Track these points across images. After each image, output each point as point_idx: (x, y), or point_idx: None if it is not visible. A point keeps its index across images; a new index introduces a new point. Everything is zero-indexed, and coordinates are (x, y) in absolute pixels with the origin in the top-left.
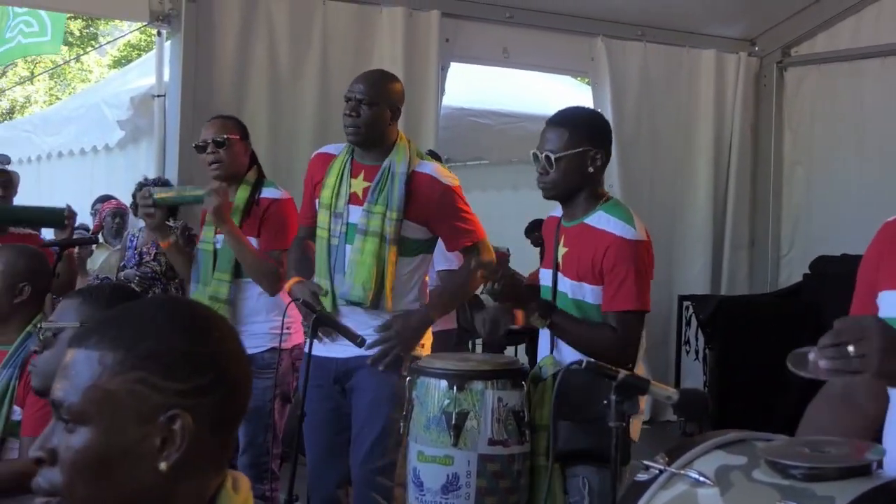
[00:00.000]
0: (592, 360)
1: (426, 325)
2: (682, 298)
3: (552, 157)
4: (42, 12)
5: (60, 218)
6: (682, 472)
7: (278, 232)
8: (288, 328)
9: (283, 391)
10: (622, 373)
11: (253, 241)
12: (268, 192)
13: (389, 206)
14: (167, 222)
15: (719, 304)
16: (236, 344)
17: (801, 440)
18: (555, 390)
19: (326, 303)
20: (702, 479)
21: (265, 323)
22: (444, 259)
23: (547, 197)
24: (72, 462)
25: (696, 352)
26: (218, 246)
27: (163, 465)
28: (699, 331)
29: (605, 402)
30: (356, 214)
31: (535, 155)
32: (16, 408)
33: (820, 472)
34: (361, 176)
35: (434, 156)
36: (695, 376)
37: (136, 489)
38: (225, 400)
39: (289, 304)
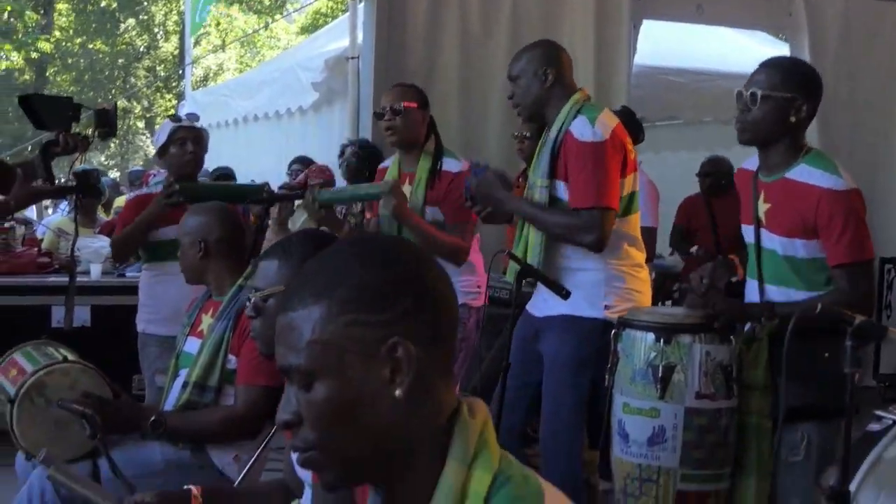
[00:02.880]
0: (826, 306)
1: (502, 201)
2: (883, 261)
3: (758, 93)
4: None
5: (259, 194)
6: None
7: (461, 206)
8: (478, 287)
9: (468, 346)
10: (859, 317)
11: (435, 210)
12: (449, 165)
13: (538, 174)
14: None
15: None
16: (428, 262)
17: None
18: (786, 341)
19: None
20: None
21: (457, 282)
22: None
23: (743, 140)
24: (317, 417)
25: None
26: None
27: (398, 393)
28: None
29: (827, 354)
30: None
31: (738, 93)
32: (231, 357)
33: None
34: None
35: (626, 111)
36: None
37: (381, 424)
38: (434, 315)
39: (494, 255)
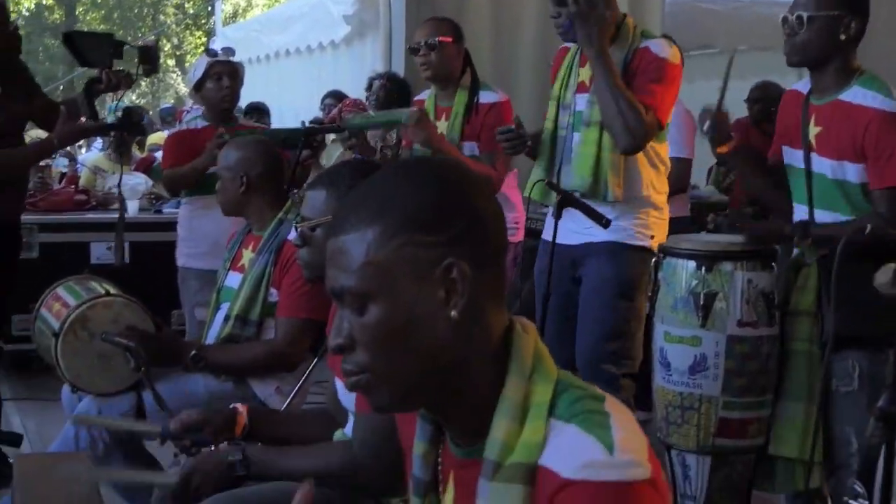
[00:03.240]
0: (875, 227)
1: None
2: None
3: (804, 15)
4: None
5: (298, 137)
6: None
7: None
8: (516, 223)
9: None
10: None
11: (473, 146)
12: (486, 97)
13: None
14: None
15: None
16: (478, 184)
17: None
18: (835, 268)
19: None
20: None
21: None
22: (673, 145)
23: (792, 63)
24: (370, 340)
25: None
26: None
27: (454, 314)
28: None
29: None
30: (582, 103)
31: (784, 18)
32: (272, 290)
33: None
34: (588, 65)
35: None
36: None
37: (436, 346)
38: (486, 237)
39: (533, 185)
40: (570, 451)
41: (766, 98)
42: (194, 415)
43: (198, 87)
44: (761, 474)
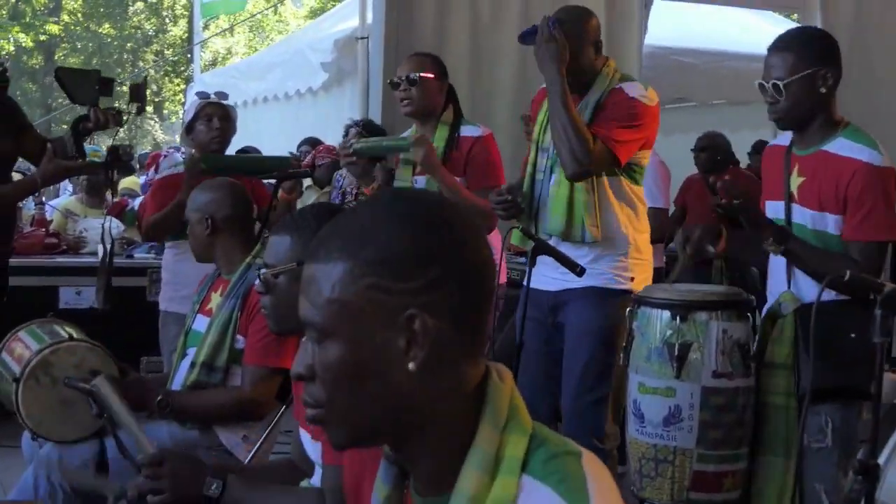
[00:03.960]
0: (855, 273)
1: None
2: None
3: (780, 84)
4: None
5: (287, 165)
6: None
7: (486, 170)
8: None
9: None
10: (889, 285)
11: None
12: (467, 131)
13: None
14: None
15: None
16: (466, 230)
17: None
18: (813, 321)
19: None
20: None
21: None
22: (650, 196)
23: (782, 127)
24: (327, 375)
25: None
26: (416, 187)
27: (412, 366)
28: None
29: (853, 335)
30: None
31: (761, 85)
32: (239, 336)
33: None
34: None
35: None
36: None
37: (391, 394)
38: (462, 290)
39: (510, 230)
40: None
41: (712, 147)
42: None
43: (188, 129)
44: None
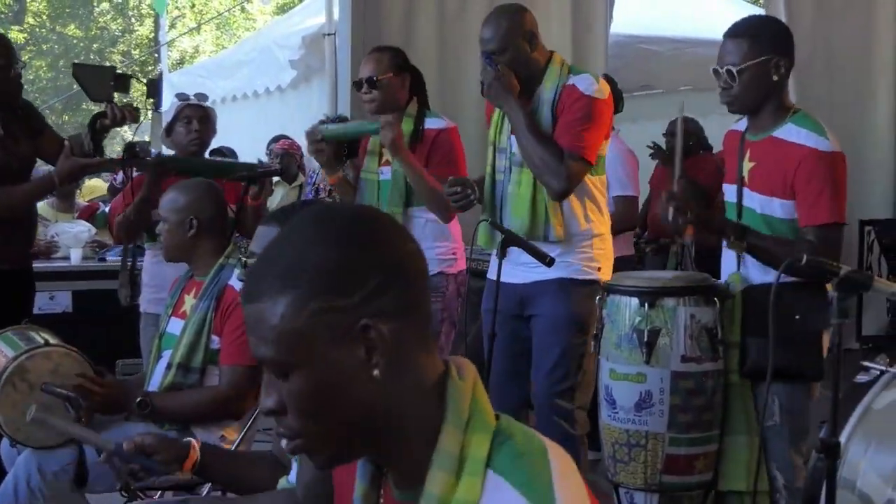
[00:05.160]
0: (811, 257)
1: (507, 99)
2: (863, 223)
3: (734, 69)
4: None
5: (251, 170)
6: None
7: (449, 160)
8: (454, 254)
9: (450, 315)
10: (844, 268)
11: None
12: (432, 123)
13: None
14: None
15: None
16: (387, 230)
17: None
18: (772, 305)
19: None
20: None
21: (432, 249)
22: (618, 184)
23: (733, 111)
24: (297, 406)
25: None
26: (382, 178)
27: (376, 373)
28: (882, 257)
29: (798, 317)
30: (516, 145)
31: (715, 71)
32: (214, 337)
33: None
34: None
35: (608, 79)
36: (878, 304)
37: (363, 404)
38: (405, 286)
39: (478, 223)
40: None
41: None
42: (149, 439)
43: (168, 131)
44: None
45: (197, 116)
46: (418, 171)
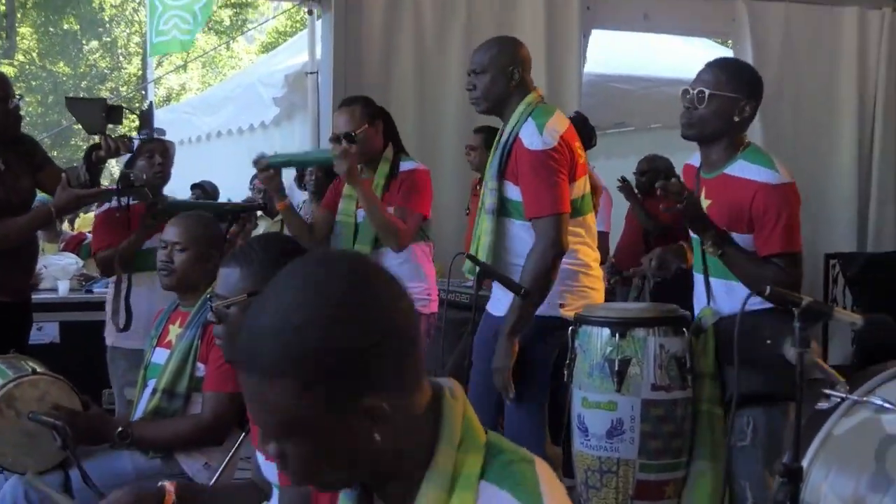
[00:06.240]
0: (774, 288)
1: (507, 349)
2: (828, 256)
3: (705, 92)
4: (196, 7)
5: (236, 209)
6: (865, 399)
7: (410, 194)
8: (428, 294)
9: None
10: (806, 298)
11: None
12: (406, 165)
13: (492, 177)
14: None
15: (867, 261)
16: (386, 292)
17: None
18: (737, 330)
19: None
20: (887, 405)
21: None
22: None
23: (687, 136)
24: (297, 463)
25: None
26: (360, 221)
27: (377, 436)
28: (846, 289)
29: (769, 342)
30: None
31: (685, 91)
32: (199, 364)
33: None
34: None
35: (580, 118)
36: (843, 334)
37: (365, 462)
38: (402, 348)
39: (454, 257)
40: None
41: (652, 170)
42: (123, 497)
43: (129, 165)
44: None
45: (158, 150)
46: (373, 201)
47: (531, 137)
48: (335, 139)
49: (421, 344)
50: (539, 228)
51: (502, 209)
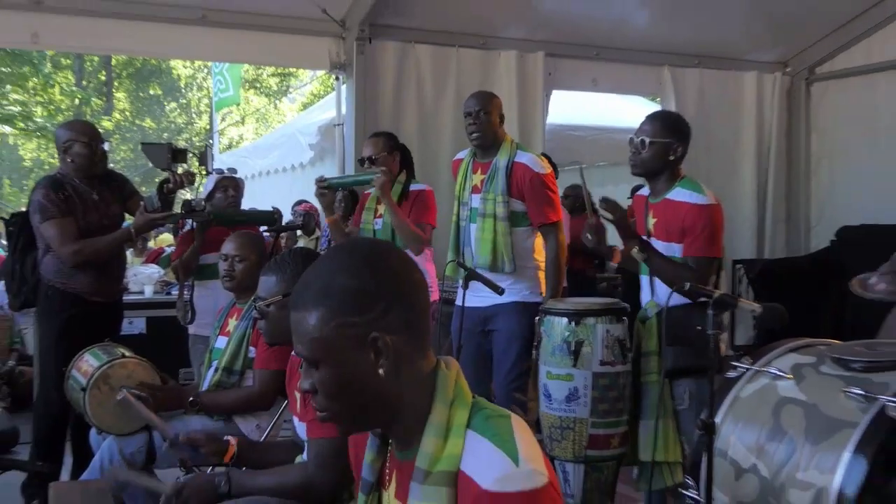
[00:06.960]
0: (692, 284)
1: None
2: (735, 262)
3: (647, 140)
4: (225, 72)
5: (271, 217)
6: (764, 369)
7: (423, 210)
8: (431, 288)
9: None
10: (717, 292)
11: None
12: (415, 187)
13: (497, 192)
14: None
15: (764, 266)
16: (399, 264)
17: (857, 342)
18: (664, 319)
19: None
20: (780, 373)
21: None
22: None
23: (634, 173)
24: (324, 390)
25: None
26: (377, 228)
27: (381, 372)
28: (749, 286)
29: (699, 327)
30: (476, 200)
31: (631, 139)
32: (251, 348)
33: (876, 365)
34: (479, 171)
35: (546, 157)
36: (746, 320)
37: (373, 392)
38: (407, 308)
39: (448, 263)
40: (486, 465)
41: (574, 195)
42: (199, 435)
43: (209, 198)
44: (643, 478)
45: (232, 185)
46: (398, 211)
47: (534, 164)
48: (361, 161)
49: (427, 314)
50: (548, 232)
51: (512, 220)
